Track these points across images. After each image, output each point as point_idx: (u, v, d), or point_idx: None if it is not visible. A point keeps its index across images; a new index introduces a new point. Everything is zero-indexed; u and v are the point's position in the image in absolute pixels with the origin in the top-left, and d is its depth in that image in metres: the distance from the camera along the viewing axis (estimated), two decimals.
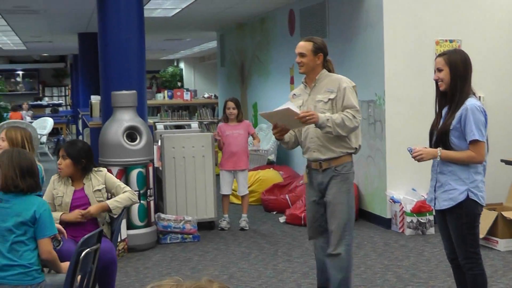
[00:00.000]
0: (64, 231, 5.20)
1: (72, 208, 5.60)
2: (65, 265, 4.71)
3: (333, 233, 5.49)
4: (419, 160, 4.99)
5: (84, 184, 5.69)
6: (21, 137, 5.96)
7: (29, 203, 4.56)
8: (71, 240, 5.36)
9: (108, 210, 5.58)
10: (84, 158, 5.66)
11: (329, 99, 5.49)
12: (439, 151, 4.93)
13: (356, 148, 5.58)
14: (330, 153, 5.50)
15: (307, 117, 5.24)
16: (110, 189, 5.77)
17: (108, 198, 5.74)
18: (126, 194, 5.69)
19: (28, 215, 4.51)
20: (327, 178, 5.51)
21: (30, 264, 4.55)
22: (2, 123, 15.83)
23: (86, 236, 4.60)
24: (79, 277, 4.57)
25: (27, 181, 4.57)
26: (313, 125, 5.37)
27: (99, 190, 5.69)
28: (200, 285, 1.72)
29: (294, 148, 5.94)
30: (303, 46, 5.60)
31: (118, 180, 5.91)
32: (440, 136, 4.99)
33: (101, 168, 5.89)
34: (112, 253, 5.40)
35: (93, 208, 5.57)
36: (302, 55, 5.57)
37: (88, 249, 4.59)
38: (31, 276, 4.55)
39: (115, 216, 5.67)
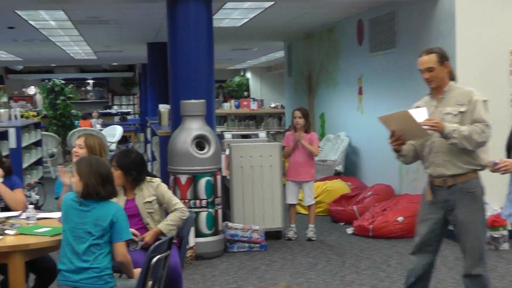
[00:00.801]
0: (138, 233, 5.25)
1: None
2: (136, 271, 4.77)
3: (468, 253, 5.19)
4: (504, 172, 4.78)
5: (135, 194, 5.68)
6: (98, 145, 6.06)
7: (107, 208, 4.65)
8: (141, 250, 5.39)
9: (162, 234, 5.53)
10: (135, 170, 5.65)
11: (460, 112, 5.14)
12: None
13: (483, 166, 5.20)
14: (456, 169, 5.16)
15: (432, 125, 4.96)
16: (162, 203, 5.74)
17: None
18: (176, 215, 5.63)
19: (107, 219, 4.59)
20: (454, 196, 5.19)
21: (103, 267, 4.61)
22: (73, 130, 16.16)
23: (157, 243, 4.64)
24: (150, 283, 4.60)
25: (107, 188, 4.68)
26: (439, 138, 5.05)
27: (150, 202, 5.65)
28: None
29: (412, 163, 5.55)
30: (429, 60, 5.23)
31: (170, 194, 5.82)
32: None
33: (154, 179, 5.83)
34: (176, 261, 5.40)
35: (148, 237, 5.50)
36: (430, 69, 5.20)
37: (159, 255, 4.61)
38: (103, 280, 4.61)
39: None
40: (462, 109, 5.15)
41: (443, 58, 5.25)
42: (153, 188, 5.73)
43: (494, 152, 5.19)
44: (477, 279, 5.20)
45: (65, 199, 4.77)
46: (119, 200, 5.56)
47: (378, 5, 11.01)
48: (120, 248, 4.65)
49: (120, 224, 4.64)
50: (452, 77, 5.34)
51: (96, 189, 4.62)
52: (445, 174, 5.16)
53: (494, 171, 4.79)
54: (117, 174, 5.53)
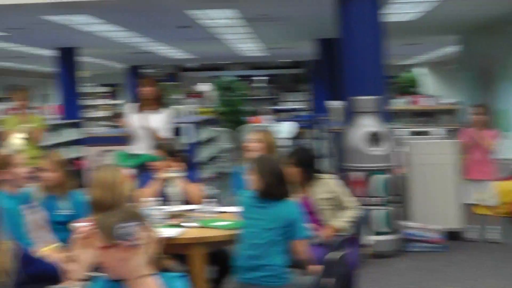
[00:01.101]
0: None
1: None
2: (314, 268, 4.78)
3: None
4: None
5: (310, 191, 5.69)
6: (272, 142, 6.15)
7: (286, 206, 4.69)
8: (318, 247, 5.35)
9: (338, 231, 5.53)
10: (312, 167, 5.73)
11: None
12: None
13: None
14: None
15: None
16: (334, 200, 5.73)
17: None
18: (350, 213, 5.67)
19: (286, 217, 4.62)
20: None
21: (280, 265, 4.64)
22: (245, 126, 16.39)
23: (334, 240, 4.70)
24: (327, 280, 4.58)
25: (285, 188, 4.75)
26: None
27: (324, 199, 5.69)
28: None
29: None
30: None
31: (343, 191, 5.85)
32: None
33: (327, 176, 5.83)
34: (352, 256, 5.31)
35: (325, 234, 5.52)
36: None
37: (336, 253, 4.68)
38: (280, 278, 4.64)
39: None
40: None
41: None
42: (327, 185, 5.77)
43: None
44: None
45: (243, 197, 4.86)
46: (295, 197, 5.54)
47: None
48: (299, 246, 4.69)
49: (298, 222, 4.67)
50: None
51: (276, 188, 4.69)
52: None
53: None
54: (295, 171, 5.59)
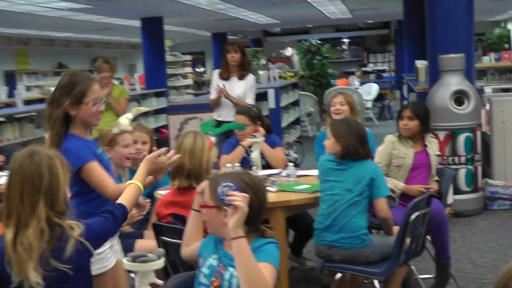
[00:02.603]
0: (396, 189, 5.28)
1: (413, 170, 5.63)
2: (395, 228, 4.79)
3: None
4: None
5: (426, 146, 5.69)
6: (355, 103, 6.25)
7: (366, 165, 4.72)
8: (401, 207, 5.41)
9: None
10: (428, 119, 5.72)
11: None
12: None
13: None
14: None
15: None
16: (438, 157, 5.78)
17: None
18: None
19: (367, 177, 4.64)
20: None
21: (360, 227, 4.67)
22: (330, 89, 16.46)
23: (416, 200, 4.62)
24: (408, 240, 4.61)
25: (365, 148, 4.76)
26: None
27: (436, 155, 5.70)
28: None
29: None
30: None
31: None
32: None
33: (433, 135, 5.89)
34: (441, 212, 5.37)
35: (436, 187, 5.62)
36: None
37: (418, 212, 4.61)
38: (360, 239, 4.66)
39: None
40: None
41: None
42: (435, 143, 5.81)
43: None
44: None
45: (321, 161, 4.90)
46: (408, 152, 5.65)
47: None
48: (382, 204, 4.69)
49: (379, 181, 4.67)
50: None
51: (356, 149, 4.69)
52: None
53: None
54: (414, 123, 5.62)
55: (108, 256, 3.70)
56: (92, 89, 3.75)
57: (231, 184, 3.07)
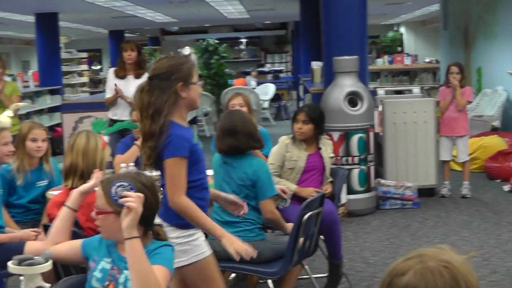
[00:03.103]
0: (288, 191, 5.33)
1: (305, 172, 5.67)
2: (289, 225, 4.79)
3: None
4: None
5: (320, 149, 5.72)
6: (254, 104, 6.23)
7: (249, 168, 4.68)
8: (297, 205, 5.47)
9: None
10: (323, 123, 5.76)
11: None
12: None
13: None
14: None
15: None
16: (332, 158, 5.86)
17: None
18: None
19: (249, 180, 4.64)
20: None
21: (253, 221, 4.71)
22: (227, 89, 16.48)
23: (309, 200, 4.66)
24: (301, 240, 4.66)
25: (250, 143, 4.74)
26: None
27: (330, 157, 5.77)
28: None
29: None
30: None
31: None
32: None
33: (327, 136, 5.95)
34: (334, 214, 5.43)
35: (329, 189, 5.66)
36: None
37: (311, 212, 4.66)
38: (254, 233, 4.70)
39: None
40: None
41: None
42: (329, 145, 5.87)
43: None
44: None
45: (214, 158, 4.90)
46: (301, 155, 5.67)
47: None
48: (266, 206, 4.70)
49: (262, 182, 4.66)
50: None
51: (236, 144, 4.70)
52: None
53: None
54: (308, 127, 5.64)
55: (203, 244, 3.76)
56: (196, 68, 3.75)
57: (125, 183, 3.01)
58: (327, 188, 5.64)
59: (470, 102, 9.00)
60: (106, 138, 4.89)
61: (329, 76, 8.56)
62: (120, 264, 3.08)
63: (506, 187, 9.22)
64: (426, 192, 8.93)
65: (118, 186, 3.01)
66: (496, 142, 10.69)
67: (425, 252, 1.74)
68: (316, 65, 12.70)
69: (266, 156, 5.83)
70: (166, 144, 3.51)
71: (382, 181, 8.60)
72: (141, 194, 2.97)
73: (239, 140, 4.72)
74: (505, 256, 6.43)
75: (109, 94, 8.01)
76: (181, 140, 3.61)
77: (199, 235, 3.76)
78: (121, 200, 2.96)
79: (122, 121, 7.02)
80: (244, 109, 6.03)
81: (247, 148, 4.76)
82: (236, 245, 3.69)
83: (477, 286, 1.69)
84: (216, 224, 3.84)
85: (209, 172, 5.57)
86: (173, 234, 3.60)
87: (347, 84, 8.12)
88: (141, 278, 2.89)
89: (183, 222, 3.66)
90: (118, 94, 7.82)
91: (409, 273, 1.68)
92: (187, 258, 3.69)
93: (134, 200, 2.92)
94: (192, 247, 3.70)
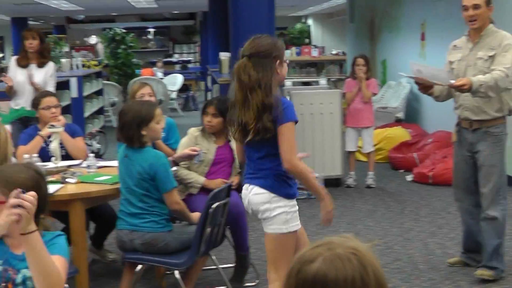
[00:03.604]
0: (197, 148, 5.35)
1: (214, 164, 5.65)
2: (195, 215, 4.82)
3: (486, 196, 5.33)
4: None
5: (229, 141, 5.69)
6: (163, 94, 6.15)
7: (146, 162, 4.64)
8: (205, 196, 5.46)
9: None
10: None
11: (489, 57, 5.19)
12: None
13: (510, 111, 5.34)
14: (483, 115, 5.28)
15: (459, 86, 5.01)
16: None
17: None
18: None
19: (148, 174, 4.61)
20: (477, 139, 5.32)
21: (160, 212, 4.70)
22: (134, 79, 16.34)
23: (216, 190, 4.67)
24: (208, 230, 4.67)
25: (139, 136, 4.68)
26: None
27: None
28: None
29: (447, 100, 5.65)
30: None
31: None
32: None
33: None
34: (240, 206, 5.43)
35: (236, 180, 5.64)
36: (476, 7, 5.15)
37: (218, 203, 4.67)
38: (161, 224, 4.69)
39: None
40: (492, 53, 5.20)
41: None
42: None
43: None
44: (493, 222, 5.36)
45: (120, 150, 4.86)
46: (210, 147, 5.63)
47: None
48: (170, 197, 4.69)
49: (161, 175, 4.63)
50: (491, 21, 5.33)
51: (133, 134, 4.66)
52: (470, 118, 5.31)
53: None
54: (217, 121, 5.59)
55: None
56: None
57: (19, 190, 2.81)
58: (234, 180, 5.65)
59: (375, 94, 9.18)
60: (8, 127, 4.75)
61: None
62: (15, 263, 2.98)
63: (409, 177, 9.45)
64: (332, 182, 9.06)
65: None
66: (400, 133, 10.95)
67: (332, 240, 1.76)
68: (224, 56, 12.70)
69: (173, 148, 5.80)
70: (282, 111, 3.88)
71: None
72: (33, 193, 2.79)
73: (132, 132, 4.68)
74: (407, 244, 6.60)
75: (11, 83, 7.81)
76: (292, 106, 3.98)
77: (297, 208, 4.12)
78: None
79: (21, 109, 6.87)
80: (153, 99, 5.99)
81: (141, 141, 4.70)
82: (329, 214, 4.23)
83: (382, 272, 1.73)
84: (322, 186, 4.30)
85: (114, 163, 5.56)
86: (280, 203, 4.02)
87: None
88: (44, 271, 2.83)
89: (290, 192, 4.10)
90: (12, 84, 7.66)
91: (318, 260, 1.70)
92: (287, 227, 4.06)
93: (28, 201, 2.74)
94: (293, 217, 4.10)
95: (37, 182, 2.96)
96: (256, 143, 4.00)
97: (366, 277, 1.69)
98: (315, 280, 1.68)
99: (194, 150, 5.32)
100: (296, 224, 4.12)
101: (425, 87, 5.34)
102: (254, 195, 4.08)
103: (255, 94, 3.89)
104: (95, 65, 18.82)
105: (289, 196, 4.09)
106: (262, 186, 4.03)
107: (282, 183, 4.07)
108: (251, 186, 4.10)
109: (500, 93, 5.16)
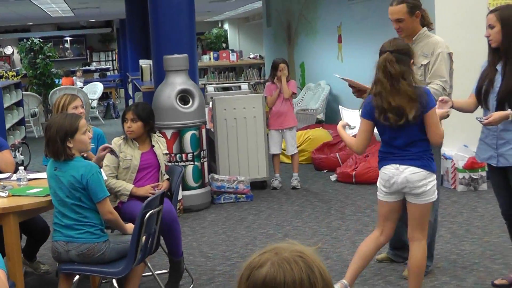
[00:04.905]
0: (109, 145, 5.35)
1: (141, 170, 5.66)
2: (129, 226, 4.83)
3: None
4: (488, 125, 4.88)
5: (153, 146, 5.71)
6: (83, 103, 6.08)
7: (76, 172, 4.58)
8: (137, 201, 5.46)
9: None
10: (152, 120, 5.74)
11: (422, 65, 5.30)
12: (510, 112, 4.78)
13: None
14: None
15: None
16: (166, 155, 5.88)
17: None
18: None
19: (79, 184, 4.56)
20: None
21: (94, 223, 4.65)
22: (55, 89, 16.09)
23: (149, 198, 4.66)
24: (143, 238, 4.67)
25: (64, 148, 4.61)
26: None
27: (164, 155, 5.78)
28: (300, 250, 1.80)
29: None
30: (398, 10, 5.29)
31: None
32: (505, 95, 4.83)
33: (160, 134, 5.96)
34: (172, 212, 5.44)
35: (165, 185, 5.65)
36: (399, 20, 5.30)
37: (152, 210, 4.67)
38: (96, 235, 4.65)
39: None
40: (425, 61, 5.32)
41: (414, 8, 5.32)
42: (163, 143, 5.85)
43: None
44: None
45: (49, 163, 4.77)
46: (134, 153, 5.62)
47: None
48: (103, 207, 4.64)
49: (92, 185, 4.57)
50: (427, 23, 5.44)
51: (58, 147, 4.59)
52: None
53: (485, 125, 4.92)
54: (138, 125, 5.61)
55: None
56: None
57: None
58: (163, 184, 5.66)
59: (294, 93, 9.26)
60: None
61: (160, 75, 8.55)
62: None
63: (332, 177, 9.58)
64: (258, 185, 9.15)
65: None
66: (321, 134, 11.10)
67: (278, 245, 1.83)
68: (145, 63, 12.66)
69: None
70: (426, 99, 4.52)
71: (216, 176, 8.71)
72: None
73: (57, 146, 4.62)
74: (336, 243, 6.70)
75: None
76: (431, 94, 4.67)
77: None
78: None
79: None
80: (83, 110, 5.92)
81: (67, 154, 4.63)
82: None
83: (327, 271, 1.80)
84: None
85: (44, 174, 5.49)
86: (431, 178, 4.66)
87: (178, 82, 8.14)
88: None
89: (435, 167, 4.71)
90: None
91: (267, 264, 1.76)
92: (434, 196, 4.73)
93: None
94: (436, 188, 4.75)
95: None
96: (403, 129, 4.59)
97: (313, 278, 1.76)
98: (265, 283, 1.74)
99: (105, 148, 5.30)
100: (437, 193, 4.82)
101: (359, 91, 5.40)
102: (411, 174, 4.64)
103: (401, 84, 4.50)
104: (14, 76, 18.48)
105: (435, 171, 4.71)
106: (419, 166, 4.64)
107: (432, 161, 4.70)
108: (405, 166, 4.66)
109: None
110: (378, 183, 4.88)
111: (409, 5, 5.29)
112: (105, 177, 5.22)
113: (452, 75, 5.43)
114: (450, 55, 5.35)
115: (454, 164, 8.47)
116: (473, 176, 8.42)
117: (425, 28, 5.43)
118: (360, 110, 4.84)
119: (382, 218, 4.94)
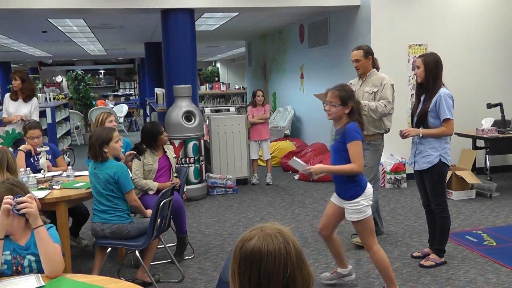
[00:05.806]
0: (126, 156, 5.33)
1: (159, 171, 5.61)
2: (148, 211, 4.81)
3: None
4: (406, 137, 4.91)
5: (165, 152, 5.68)
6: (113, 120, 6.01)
7: (110, 170, 4.56)
8: (152, 195, 5.44)
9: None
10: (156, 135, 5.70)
11: (373, 92, 5.48)
12: (421, 130, 4.90)
13: (386, 130, 5.58)
14: (367, 131, 5.47)
15: None
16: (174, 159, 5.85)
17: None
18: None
19: (112, 179, 4.54)
20: (365, 147, 5.43)
21: (123, 209, 4.63)
22: (92, 108, 15.95)
23: (163, 191, 4.65)
24: (159, 220, 4.65)
25: (103, 150, 4.59)
26: None
27: (174, 157, 5.76)
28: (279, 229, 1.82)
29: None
30: (357, 54, 5.51)
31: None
32: (421, 117, 4.91)
33: (169, 143, 5.93)
34: (179, 201, 5.44)
35: (176, 181, 5.62)
36: (357, 60, 5.50)
37: (165, 199, 4.66)
38: (124, 217, 4.63)
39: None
40: (375, 89, 5.47)
41: (368, 54, 5.53)
42: (171, 149, 5.81)
43: (399, 118, 5.39)
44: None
45: (90, 164, 4.74)
46: (153, 160, 5.58)
47: (315, 13, 11.05)
48: (129, 196, 4.61)
49: (122, 179, 4.54)
50: (376, 67, 5.59)
51: (97, 151, 4.55)
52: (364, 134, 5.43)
53: (401, 137, 4.95)
54: (163, 136, 5.60)
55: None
56: None
57: (16, 197, 2.80)
58: (177, 181, 5.64)
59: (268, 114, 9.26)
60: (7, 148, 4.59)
61: (170, 99, 8.53)
62: (21, 252, 2.90)
63: (296, 177, 9.57)
64: (242, 182, 9.12)
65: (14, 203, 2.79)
66: (288, 145, 11.10)
67: (263, 225, 1.85)
68: (159, 90, 12.60)
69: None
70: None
71: (211, 174, 8.67)
72: (30, 194, 2.80)
73: (96, 150, 4.60)
74: (299, 225, 6.68)
75: (5, 114, 7.51)
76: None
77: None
78: (21, 211, 2.77)
79: (13, 132, 6.64)
80: (116, 124, 5.88)
81: (103, 157, 4.61)
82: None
83: (299, 244, 1.81)
84: None
85: (86, 172, 5.45)
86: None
87: (184, 105, 8.12)
88: (50, 256, 2.80)
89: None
90: (17, 119, 7.32)
91: (254, 238, 1.78)
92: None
93: (29, 202, 2.77)
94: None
95: (11, 189, 2.88)
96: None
97: (288, 248, 1.78)
98: (253, 252, 1.76)
99: (131, 154, 5.28)
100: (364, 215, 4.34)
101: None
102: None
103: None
104: (63, 98, 18.27)
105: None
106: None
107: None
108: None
109: (380, 117, 5.45)
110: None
111: (364, 51, 5.52)
112: (133, 176, 5.21)
113: (394, 100, 5.55)
114: (392, 86, 5.50)
115: (384, 168, 8.51)
116: (397, 177, 8.45)
117: (375, 69, 5.59)
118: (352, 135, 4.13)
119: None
